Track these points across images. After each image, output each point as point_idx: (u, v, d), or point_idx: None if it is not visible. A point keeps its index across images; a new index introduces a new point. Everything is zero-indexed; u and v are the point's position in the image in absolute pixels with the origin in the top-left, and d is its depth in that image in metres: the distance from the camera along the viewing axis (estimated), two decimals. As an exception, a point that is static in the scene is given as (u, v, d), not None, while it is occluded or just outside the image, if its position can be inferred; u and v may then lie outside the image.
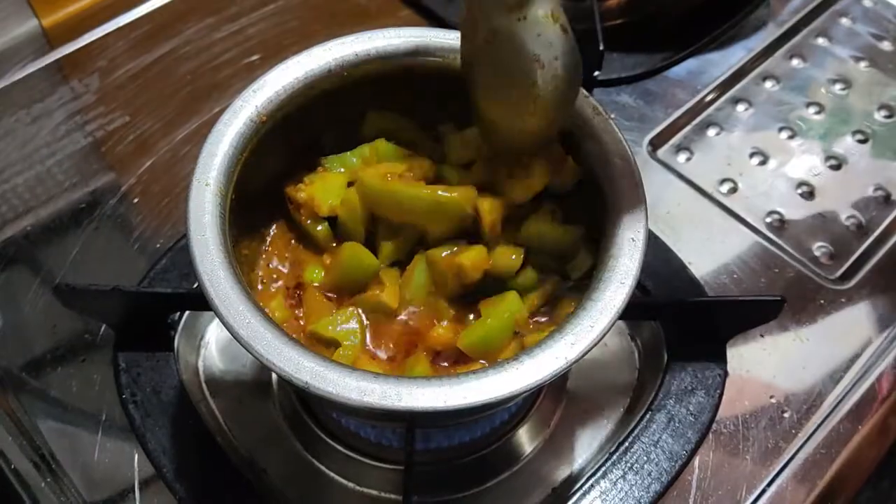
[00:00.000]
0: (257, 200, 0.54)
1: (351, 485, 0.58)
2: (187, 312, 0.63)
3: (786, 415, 0.60)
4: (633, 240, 0.47)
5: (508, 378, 0.42)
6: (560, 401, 0.61)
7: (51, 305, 0.64)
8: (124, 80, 0.80)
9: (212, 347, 0.63)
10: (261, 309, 0.44)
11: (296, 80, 0.53)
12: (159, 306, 0.60)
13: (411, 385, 0.42)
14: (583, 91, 0.52)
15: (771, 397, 0.61)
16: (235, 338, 0.43)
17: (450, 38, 0.54)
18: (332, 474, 0.58)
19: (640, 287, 0.64)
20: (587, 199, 0.52)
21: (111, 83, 0.80)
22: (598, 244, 0.49)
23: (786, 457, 0.59)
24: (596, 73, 0.77)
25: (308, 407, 0.60)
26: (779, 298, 0.57)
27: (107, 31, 0.84)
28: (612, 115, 0.52)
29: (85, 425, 0.59)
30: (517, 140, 0.51)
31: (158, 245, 0.68)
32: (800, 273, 0.68)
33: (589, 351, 0.43)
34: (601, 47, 0.75)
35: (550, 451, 0.60)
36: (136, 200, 0.72)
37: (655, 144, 0.76)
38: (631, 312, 0.58)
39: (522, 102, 0.48)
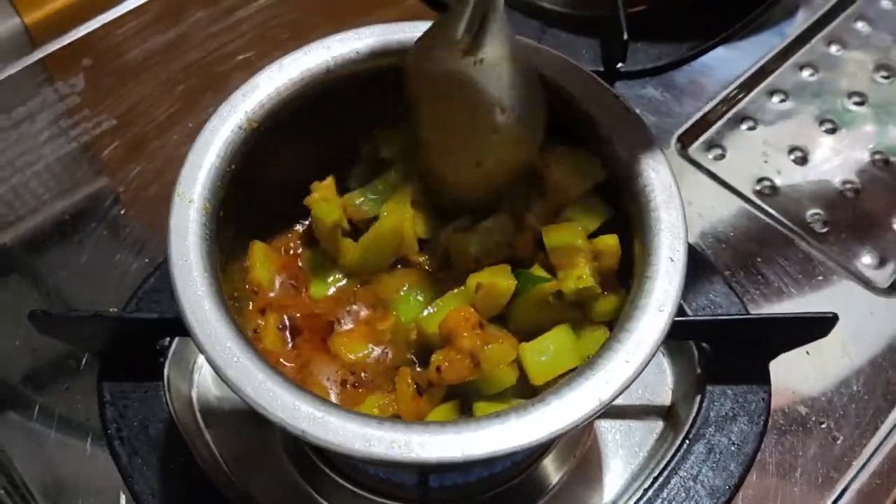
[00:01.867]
0: (252, 217, 0.49)
1: (359, 524, 0.53)
2: (178, 338, 0.58)
3: (838, 441, 0.55)
4: (672, 260, 0.42)
5: (534, 423, 0.37)
6: (589, 429, 0.56)
7: (30, 329, 0.59)
8: (112, 79, 0.75)
9: (206, 373, 0.58)
10: (252, 345, 0.39)
11: (290, 81, 0.48)
12: (146, 332, 0.55)
13: (423, 433, 0.36)
14: (605, 84, 0.47)
15: (820, 423, 0.56)
16: (223, 378, 0.38)
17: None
18: (338, 513, 0.53)
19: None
20: (614, 209, 0.47)
21: (98, 83, 0.75)
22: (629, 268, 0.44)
23: (839, 488, 0.53)
24: (619, 64, 0.72)
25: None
26: (830, 315, 0.52)
27: (92, 28, 0.78)
28: (637, 110, 0.47)
29: (67, 461, 0.55)
30: (466, 192, 0.47)
31: (147, 260, 0.63)
32: (847, 282, 0.62)
33: (625, 390, 0.38)
34: (625, 36, 0.70)
35: (578, 484, 0.54)
36: (125, 209, 0.67)
37: (685, 142, 0.70)
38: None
39: (478, 150, 0.45)
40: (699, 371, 0.57)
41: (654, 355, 0.39)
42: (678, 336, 0.56)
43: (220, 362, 0.38)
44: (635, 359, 0.39)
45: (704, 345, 0.57)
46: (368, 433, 0.36)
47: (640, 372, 0.39)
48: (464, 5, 0.43)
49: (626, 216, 0.45)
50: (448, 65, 0.43)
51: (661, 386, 0.58)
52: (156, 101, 0.74)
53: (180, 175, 0.44)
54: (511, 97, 0.44)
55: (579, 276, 0.44)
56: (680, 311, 0.56)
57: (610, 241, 0.46)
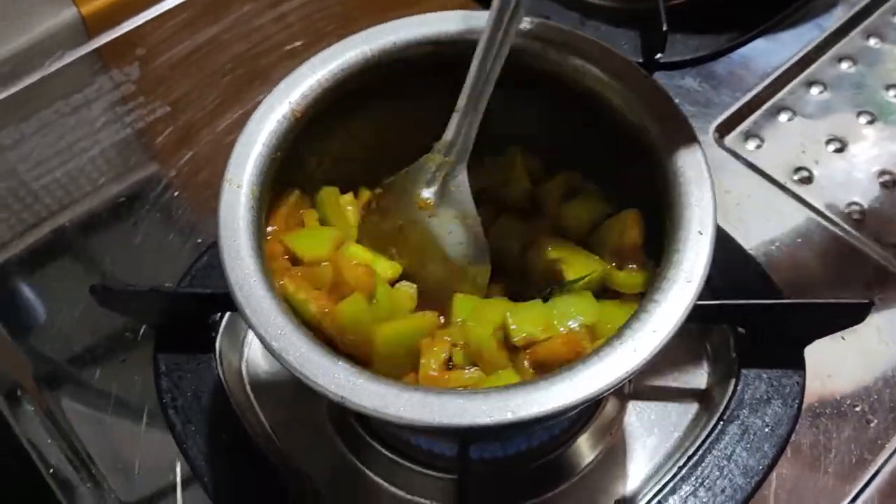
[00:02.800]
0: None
1: (400, 493, 0.55)
2: (229, 313, 0.60)
3: (871, 424, 0.56)
4: (701, 233, 0.43)
5: (561, 390, 0.38)
6: (623, 407, 0.57)
7: (90, 304, 0.62)
8: (165, 68, 0.78)
9: (255, 348, 0.61)
10: (294, 318, 0.41)
11: (331, 73, 0.49)
12: (199, 307, 0.57)
13: (455, 399, 0.38)
14: (645, 73, 0.49)
15: (854, 406, 0.56)
16: (268, 349, 0.40)
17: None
18: (380, 481, 0.55)
19: (708, 286, 0.59)
20: (645, 189, 0.48)
21: (151, 72, 0.78)
22: (658, 239, 0.45)
23: (871, 470, 0.54)
24: (658, 55, 0.73)
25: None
26: (865, 302, 0.52)
27: (146, 19, 0.81)
28: (676, 100, 0.48)
29: (125, 428, 0.57)
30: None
31: (200, 240, 0.66)
32: (883, 269, 0.63)
33: (653, 359, 0.39)
34: (664, 28, 0.71)
35: (613, 462, 0.56)
36: (177, 193, 0.69)
37: (722, 131, 0.71)
38: (700, 315, 0.54)
39: (432, 275, 0.50)
40: (734, 355, 0.58)
41: (680, 325, 0.40)
42: (714, 320, 0.58)
43: (266, 335, 0.40)
44: (663, 329, 0.40)
45: (740, 329, 0.58)
46: (404, 399, 0.38)
47: (667, 341, 0.40)
48: (428, 165, 0.49)
49: (659, 194, 0.46)
50: (408, 212, 0.50)
51: (698, 369, 0.59)
52: (205, 90, 0.76)
53: (229, 162, 0.46)
54: (457, 251, 0.49)
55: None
56: (716, 295, 0.58)
57: (632, 216, 0.48)
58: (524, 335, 0.45)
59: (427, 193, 0.49)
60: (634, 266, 0.49)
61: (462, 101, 0.47)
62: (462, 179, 0.49)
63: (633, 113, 0.48)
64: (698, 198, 0.44)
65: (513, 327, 0.46)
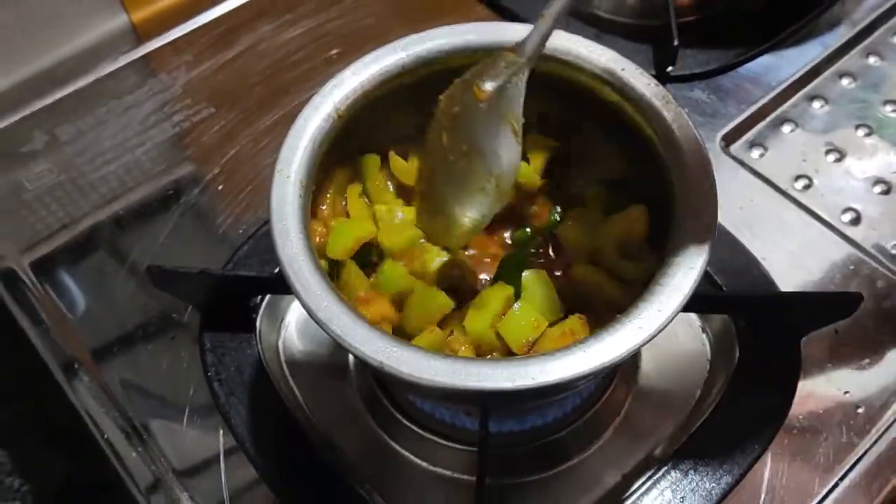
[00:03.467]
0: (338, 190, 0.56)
1: (425, 464, 0.59)
2: (268, 296, 0.65)
3: (860, 411, 0.60)
4: (704, 230, 0.47)
5: (575, 361, 0.42)
6: (632, 390, 0.62)
7: (141, 286, 0.67)
8: (209, 73, 0.83)
9: (291, 329, 0.65)
10: (338, 293, 0.46)
11: (371, 76, 0.54)
12: (243, 289, 0.62)
13: (481, 366, 0.42)
14: (653, 80, 0.53)
15: (845, 393, 0.61)
16: (315, 320, 0.44)
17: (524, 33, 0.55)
18: (406, 454, 0.60)
19: (711, 282, 0.64)
20: (654, 189, 0.52)
21: (196, 76, 0.83)
22: (663, 235, 0.49)
23: (859, 451, 0.58)
24: (669, 68, 0.78)
25: (384, 388, 0.62)
26: (856, 294, 0.57)
27: (193, 27, 0.87)
28: (685, 110, 0.52)
29: (173, 399, 0.62)
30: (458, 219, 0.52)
31: (241, 231, 0.71)
32: (876, 271, 0.67)
33: (656, 335, 0.43)
34: (675, 42, 0.76)
35: (621, 439, 0.60)
36: (219, 188, 0.74)
37: (728, 140, 0.76)
38: (702, 306, 0.59)
39: (471, 196, 0.50)
40: (736, 344, 0.62)
41: (682, 306, 0.44)
42: (715, 310, 0.62)
43: (313, 307, 0.45)
44: (666, 308, 0.44)
45: (740, 321, 0.62)
46: (435, 365, 0.42)
47: (671, 320, 0.44)
48: (499, 62, 0.49)
49: (668, 195, 0.50)
50: (465, 98, 0.49)
51: (701, 358, 0.63)
52: (246, 93, 0.81)
53: (280, 155, 0.50)
54: (489, 144, 0.49)
55: None
56: (718, 286, 0.62)
57: (639, 211, 0.53)
58: (522, 342, 0.50)
59: (489, 85, 0.48)
60: (638, 257, 0.53)
61: (551, 7, 0.49)
62: (521, 80, 0.49)
63: (647, 121, 0.53)
64: (702, 195, 0.49)
65: (509, 340, 0.50)
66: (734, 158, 0.74)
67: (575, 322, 0.51)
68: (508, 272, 0.53)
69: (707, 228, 0.47)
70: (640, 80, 0.53)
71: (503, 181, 0.50)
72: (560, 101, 0.57)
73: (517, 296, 0.52)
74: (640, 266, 0.52)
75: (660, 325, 0.44)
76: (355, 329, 0.44)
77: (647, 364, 0.63)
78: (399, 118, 0.57)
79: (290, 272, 0.46)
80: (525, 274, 0.53)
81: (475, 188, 0.49)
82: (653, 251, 0.53)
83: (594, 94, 0.55)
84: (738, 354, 0.61)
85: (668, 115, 0.52)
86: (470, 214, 0.50)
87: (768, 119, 0.77)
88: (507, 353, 0.51)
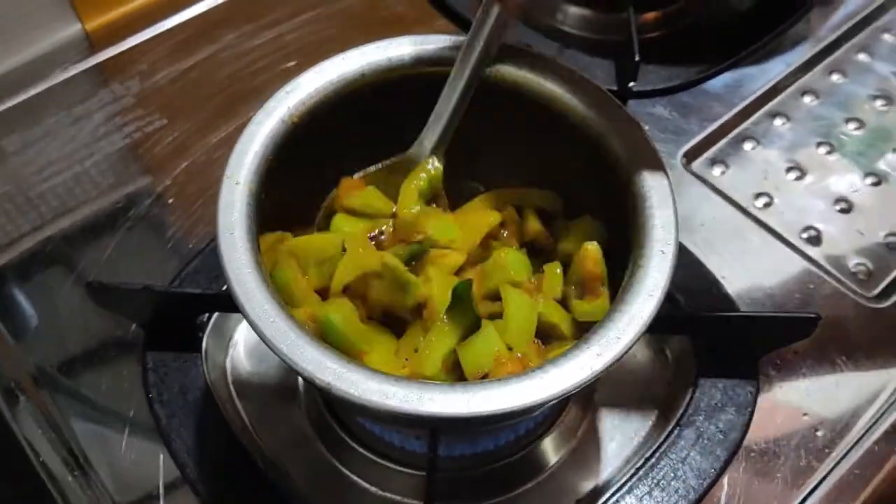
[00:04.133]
0: (293, 203, 0.54)
1: (374, 489, 0.57)
2: (216, 314, 0.63)
3: (819, 433, 0.59)
4: (663, 252, 0.46)
5: (533, 387, 0.41)
6: (587, 411, 0.60)
7: (84, 304, 0.64)
8: (163, 83, 0.81)
9: (240, 349, 0.63)
10: (285, 309, 0.44)
11: (329, 82, 0.53)
12: (189, 307, 0.60)
13: (434, 390, 0.41)
14: (614, 99, 0.52)
15: (804, 415, 0.59)
16: (260, 337, 0.42)
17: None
18: (355, 478, 0.58)
19: (670, 300, 0.63)
20: (612, 209, 0.51)
21: (150, 87, 0.81)
22: (621, 257, 0.49)
23: (818, 476, 0.57)
24: (631, 83, 0.77)
25: (333, 411, 0.60)
26: (814, 315, 0.56)
27: (148, 37, 0.84)
28: (647, 127, 0.51)
29: (113, 423, 0.59)
30: None
31: (191, 246, 0.68)
32: (836, 290, 0.66)
33: (615, 363, 0.42)
34: (636, 58, 0.75)
35: (576, 463, 0.58)
36: (170, 201, 0.72)
37: (690, 157, 0.75)
38: (660, 325, 0.56)
39: None
40: (693, 365, 0.61)
41: (642, 334, 0.43)
42: (674, 330, 0.61)
43: (259, 323, 0.43)
44: (626, 336, 0.43)
45: (698, 341, 0.61)
46: (386, 388, 0.41)
47: (630, 348, 0.43)
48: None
49: (625, 214, 0.50)
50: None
51: (660, 379, 0.62)
52: (201, 104, 0.79)
53: (230, 160, 0.49)
54: None
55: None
56: (677, 308, 0.61)
57: (591, 249, 0.51)
58: (476, 371, 0.48)
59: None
60: (592, 296, 0.52)
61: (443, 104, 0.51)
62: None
63: (604, 137, 0.52)
64: (662, 219, 0.47)
65: (464, 366, 0.48)
66: (695, 175, 0.73)
67: (529, 348, 0.49)
68: (459, 302, 0.51)
69: (667, 255, 0.46)
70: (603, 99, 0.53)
71: None
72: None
73: (476, 325, 0.50)
74: (594, 306, 0.51)
75: (618, 353, 0.43)
76: (303, 348, 0.42)
77: (604, 384, 0.62)
78: (358, 128, 0.56)
79: (236, 285, 0.44)
80: (511, 295, 0.51)
81: None
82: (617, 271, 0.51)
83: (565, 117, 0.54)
84: (695, 375, 0.60)
85: (629, 134, 0.51)
86: None
87: (730, 136, 0.77)
88: (461, 378, 0.49)
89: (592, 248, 0.51)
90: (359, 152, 0.57)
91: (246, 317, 0.43)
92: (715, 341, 0.60)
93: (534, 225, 0.56)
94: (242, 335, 0.64)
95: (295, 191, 0.53)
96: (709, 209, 0.71)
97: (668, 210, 0.48)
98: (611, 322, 0.44)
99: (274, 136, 0.51)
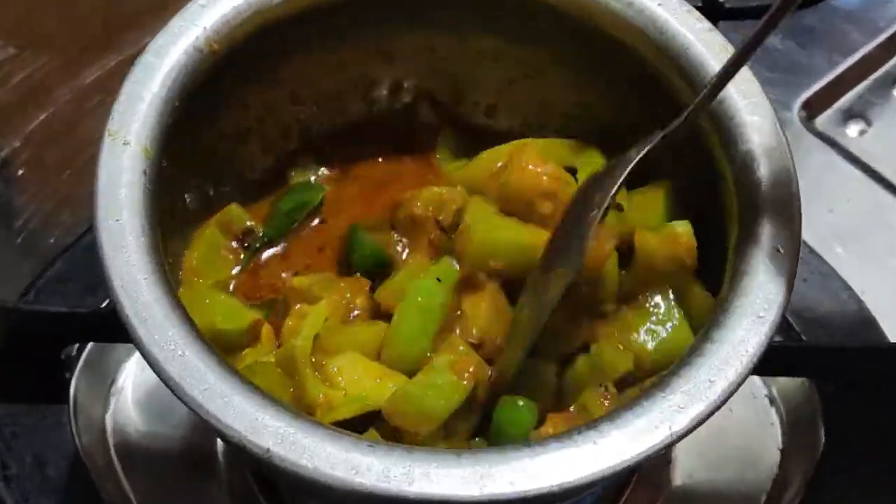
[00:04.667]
0: (204, 171, 0.54)
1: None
2: (90, 344, 0.62)
3: None
4: (780, 251, 0.46)
5: (578, 458, 0.40)
6: (659, 493, 0.60)
7: None
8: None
9: (126, 398, 0.63)
10: (202, 335, 0.43)
11: None
12: (49, 334, 0.59)
13: (429, 461, 0.40)
14: (705, 23, 0.52)
15: None
16: (161, 376, 0.42)
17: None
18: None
19: (785, 329, 0.63)
20: (699, 190, 0.51)
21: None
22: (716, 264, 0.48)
23: None
24: (723, -3, 0.77)
25: (271, 490, 0.60)
26: None
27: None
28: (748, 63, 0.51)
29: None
30: None
31: (51, 241, 0.69)
32: None
33: (705, 419, 0.42)
34: (733, -42, 0.75)
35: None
36: (20, 173, 0.72)
37: (813, 108, 0.75)
38: (773, 364, 0.57)
39: None
40: (821, 425, 0.60)
41: (747, 376, 0.42)
42: (790, 371, 0.60)
43: (159, 355, 0.42)
44: (722, 379, 0.42)
45: (829, 386, 0.61)
46: (355, 458, 0.40)
47: (728, 397, 0.42)
48: None
49: (719, 191, 0.49)
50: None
51: (768, 445, 0.62)
52: (68, 28, 0.79)
53: (113, 108, 0.48)
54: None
55: None
56: (795, 336, 0.61)
57: (680, 230, 0.50)
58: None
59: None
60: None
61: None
62: None
63: (683, 78, 0.51)
64: (776, 201, 0.47)
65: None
66: (821, 137, 0.73)
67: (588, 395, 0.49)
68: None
69: (786, 256, 0.45)
70: (684, 19, 0.52)
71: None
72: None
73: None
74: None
75: (710, 406, 0.42)
76: (227, 393, 0.41)
77: (684, 454, 0.62)
78: (309, 62, 0.56)
79: (124, 299, 0.43)
80: None
81: None
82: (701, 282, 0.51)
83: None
84: (823, 439, 0.60)
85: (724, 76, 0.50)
86: None
87: (873, 77, 0.77)
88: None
89: (685, 231, 0.50)
90: (311, 94, 0.58)
91: (140, 347, 0.42)
92: (855, 388, 0.60)
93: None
94: (131, 377, 0.63)
95: (215, 154, 0.53)
96: (841, 187, 0.71)
97: (786, 186, 0.47)
98: (700, 357, 0.43)
99: (182, 73, 0.50)
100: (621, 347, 0.51)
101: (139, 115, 0.48)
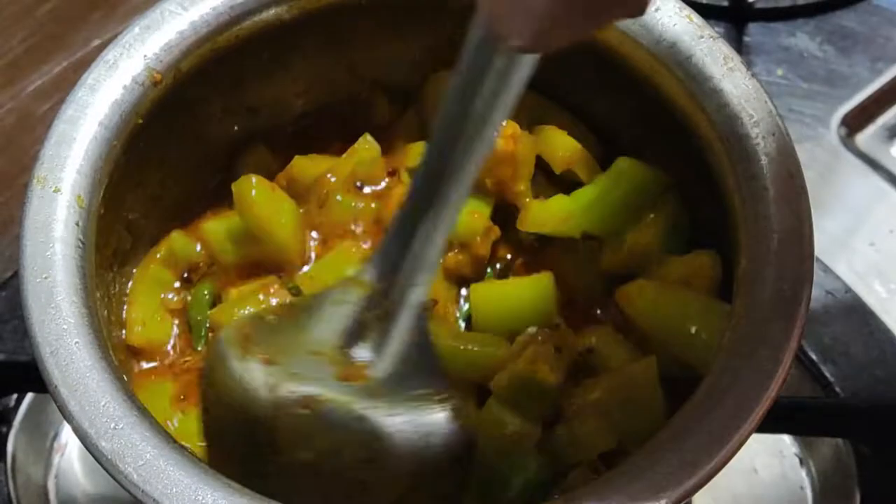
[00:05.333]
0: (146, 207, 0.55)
1: None
2: (29, 395, 0.63)
3: None
4: (784, 289, 0.46)
5: None
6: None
7: None
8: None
9: (72, 454, 0.64)
10: (140, 405, 0.44)
11: (213, 9, 0.53)
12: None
13: None
14: (704, 26, 0.53)
15: None
16: (93, 454, 0.43)
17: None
18: None
19: (816, 379, 0.64)
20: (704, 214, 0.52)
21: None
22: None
23: None
24: (753, -5, 0.77)
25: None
26: None
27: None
28: (779, 70, 0.51)
29: None
30: None
31: (-12, 274, 0.69)
32: None
33: (708, 480, 0.42)
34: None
35: None
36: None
37: (853, 125, 0.75)
38: (803, 422, 0.58)
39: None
40: (856, 490, 0.61)
41: (753, 429, 0.43)
42: (823, 430, 0.61)
43: (90, 429, 0.42)
44: (728, 434, 0.42)
45: (866, 450, 0.62)
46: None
47: (733, 453, 0.42)
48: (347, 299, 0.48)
49: (726, 214, 0.50)
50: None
51: (795, 509, 0.63)
52: (11, 25, 0.80)
53: (42, 151, 0.49)
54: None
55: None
56: (828, 389, 0.62)
57: (704, 261, 0.52)
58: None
59: (362, 353, 0.48)
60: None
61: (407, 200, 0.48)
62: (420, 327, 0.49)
63: (694, 98, 0.52)
64: (785, 229, 0.47)
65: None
66: (863, 157, 0.73)
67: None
68: None
69: (796, 295, 0.46)
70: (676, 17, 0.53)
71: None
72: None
73: None
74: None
75: (715, 464, 0.42)
76: (166, 470, 0.42)
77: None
78: (263, 85, 0.57)
79: (52, 365, 0.44)
80: None
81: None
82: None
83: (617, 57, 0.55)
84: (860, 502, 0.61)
85: (731, 90, 0.51)
86: None
87: (924, 89, 0.77)
88: None
89: (706, 263, 0.53)
90: (266, 126, 0.59)
91: (69, 419, 0.43)
92: (893, 448, 0.60)
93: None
94: (75, 432, 0.64)
95: (159, 202, 0.54)
96: (885, 213, 0.71)
97: (797, 211, 0.48)
98: (701, 408, 0.44)
99: (121, 108, 0.51)
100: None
101: (72, 160, 0.49)
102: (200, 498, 0.41)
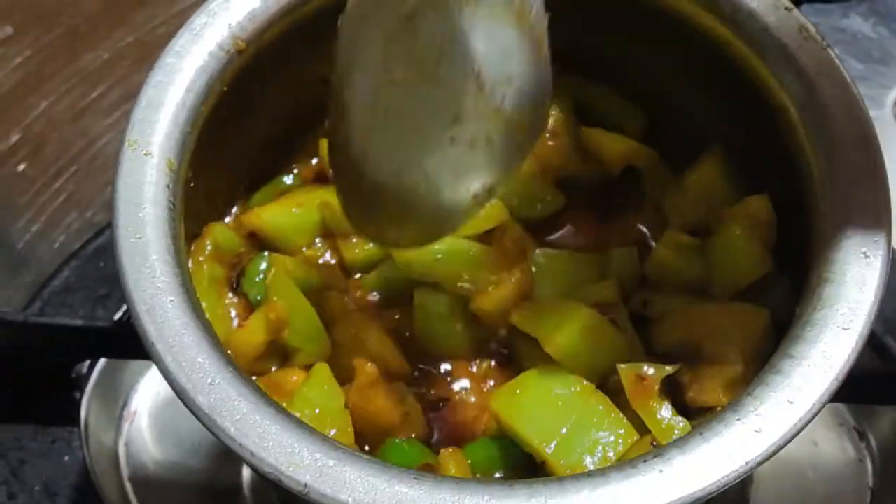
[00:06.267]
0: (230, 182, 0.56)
1: None
2: (102, 361, 0.64)
3: None
4: (867, 255, 0.46)
5: (644, 488, 0.41)
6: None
7: None
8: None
9: (141, 421, 0.64)
10: (232, 360, 0.45)
11: None
12: (57, 349, 0.61)
13: (480, 493, 0.41)
14: (783, 2, 0.53)
15: None
16: (190, 408, 0.43)
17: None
18: None
19: (877, 350, 0.64)
20: (780, 180, 0.53)
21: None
22: (797, 267, 0.49)
23: None
24: (807, -23, 0.78)
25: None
26: None
27: None
28: (837, 51, 0.52)
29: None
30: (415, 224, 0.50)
31: (56, 246, 0.70)
32: None
33: (784, 446, 0.42)
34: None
35: None
36: (20, 168, 0.73)
37: (910, 104, 0.76)
38: (864, 391, 0.58)
39: (431, 152, 0.46)
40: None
41: (830, 395, 0.43)
42: (882, 398, 0.62)
43: (187, 385, 0.43)
44: (803, 400, 0.43)
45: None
46: (402, 492, 0.41)
47: (810, 420, 0.43)
48: None
49: (802, 188, 0.51)
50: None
51: (857, 484, 0.63)
52: (74, 4, 0.79)
53: (132, 116, 0.49)
54: (497, 70, 0.45)
55: None
56: (888, 361, 0.62)
57: (760, 205, 0.54)
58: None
59: None
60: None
61: None
62: None
63: (768, 66, 0.53)
64: (864, 202, 0.48)
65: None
66: (919, 138, 0.74)
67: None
68: None
69: (874, 261, 0.46)
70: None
71: (516, 118, 0.47)
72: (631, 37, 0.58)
73: None
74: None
75: (791, 429, 0.42)
76: (262, 423, 0.43)
77: (762, 492, 0.63)
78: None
79: (148, 322, 0.45)
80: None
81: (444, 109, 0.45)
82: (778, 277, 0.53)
83: (687, 25, 0.55)
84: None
85: (806, 60, 0.52)
86: (450, 188, 0.48)
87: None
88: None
89: (762, 205, 0.54)
90: None
91: (167, 377, 0.44)
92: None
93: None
94: (147, 397, 0.65)
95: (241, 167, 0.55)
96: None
97: (875, 185, 0.48)
98: (777, 375, 0.44)
99: (207, 75, 0.51)
100: None
101: (161, 124, 0.50)
102: (297, 450, 0.42)
